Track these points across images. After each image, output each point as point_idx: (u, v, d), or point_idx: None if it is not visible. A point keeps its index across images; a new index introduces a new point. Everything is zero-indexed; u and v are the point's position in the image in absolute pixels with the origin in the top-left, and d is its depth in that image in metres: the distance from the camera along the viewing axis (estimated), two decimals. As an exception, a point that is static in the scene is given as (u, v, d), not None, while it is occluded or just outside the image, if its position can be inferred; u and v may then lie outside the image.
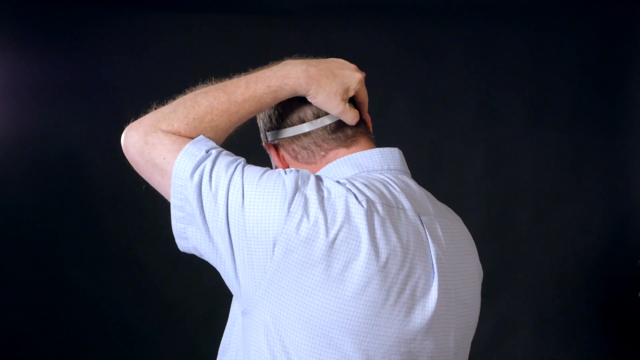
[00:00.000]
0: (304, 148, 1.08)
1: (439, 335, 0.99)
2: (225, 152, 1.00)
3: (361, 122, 1.10)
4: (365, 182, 0.99)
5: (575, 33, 2.94)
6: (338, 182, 0.98)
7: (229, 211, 0.94)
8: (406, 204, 1.00)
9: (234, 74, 1.16)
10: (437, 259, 0.99)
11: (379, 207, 0.96)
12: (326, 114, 1.05)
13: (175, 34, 2.83)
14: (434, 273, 0.98)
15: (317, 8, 2.87)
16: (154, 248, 2.77)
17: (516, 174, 2.99)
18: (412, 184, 1.06)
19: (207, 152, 0.98)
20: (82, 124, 2.77)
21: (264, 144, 1.15)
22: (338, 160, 1.06)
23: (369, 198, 0.96)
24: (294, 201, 0.92)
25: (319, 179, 0.97)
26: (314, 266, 0.91)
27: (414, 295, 0.96)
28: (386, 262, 0.93)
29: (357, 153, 1.06)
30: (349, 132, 1.07)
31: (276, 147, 1.12)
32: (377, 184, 1.00)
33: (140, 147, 1.02)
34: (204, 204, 0.95)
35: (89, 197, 2.79)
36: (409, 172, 1.10)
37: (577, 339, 3.00)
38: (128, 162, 1.07)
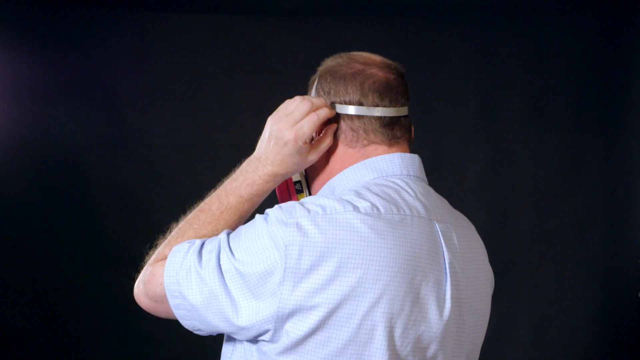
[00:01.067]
0: (352, 130, 1.05)
1: (449, 345, 0.98)
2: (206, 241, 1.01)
3: (410, 124, 1.10)
4: (378, 192, 0.99)
5: (575, 33, 2.94)
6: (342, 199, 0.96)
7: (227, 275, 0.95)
8: (422, 211, 0.99)
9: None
10: (451, 267, 0.98)
11: (387, 217, 0.95)
12: (385, 105, 1.05)
13: (175, 34, 2.84)
14: (447, 281, 0.98)
15: (317, 8, 2.88)
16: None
17: (516, 174, 2.99)
18: (431, 190, 1.06)
19: (188, 247, 1.00)
20: (82, 124, 2.77)
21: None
22: (359, 164, 1.05)
23: (377, 206, 0.96)
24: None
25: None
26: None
27: (427, 304, 0.95)
28: (397, 273, 0.93)
29: (379, 157, 1.05)
30: (398, 133, 1.07)
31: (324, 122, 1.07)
32: (390, 192, 0.99)
33: (144, 291, 1.07)
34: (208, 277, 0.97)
35: (88, 197, 2.79)
36: (426, 179, 1.09)
37: (577, 339, 3.01)
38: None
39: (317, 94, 1.08)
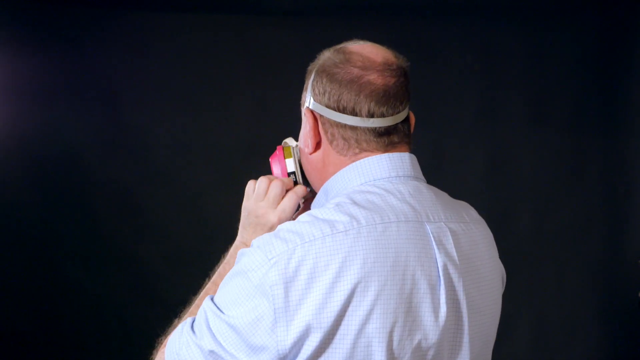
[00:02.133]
0: (344, 139, 1.03)
1: (446, 349, 0.97)
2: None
3: (408, 128, 1.07)
4: (361, 200, 0.97)
5: (575, 33, 2.94)
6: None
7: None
8: (410, 213, 0.97)
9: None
10: (444, 269, 0.96)
11: (369, 228, 0.94)
12: (381, 115, 1.02)
13: (175, 34, 2.84)
14: (440, 285, 0.96)
15: (317, 8, 2.88)
16: (154, 248, 2.78)
17: (516, 174, 2.99)
18: (424, 189, 1.03)
19: (182, 326, 1.01)
20: (82, 124, 2.77)
21: (304, 108, 1.09)
22: (348, 167, 1.03)
23: (358, 219, 0.94)
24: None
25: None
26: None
27: (421, 312, 0.94)
28: (384, 286, 0.92)
29: (366, 159, 1.02)
30: (395, 139, 1.04)
31: (315, 118, 1.07)
32: (375, 198, 0.98)
33: None
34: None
35: (88, 197, 2.79)
36: (421, 177, 1.06)
37: (577, 339, 3.01)
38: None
39: (312, 91, 1.06)
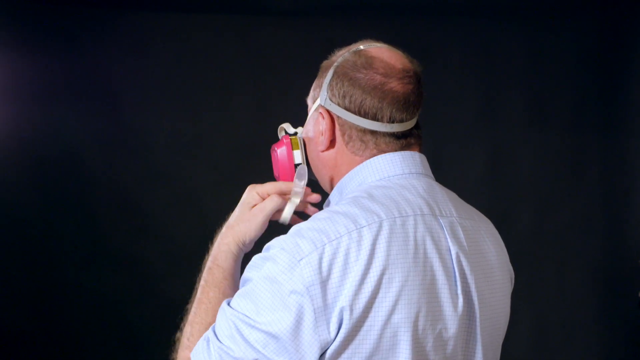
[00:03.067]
0: (362, 141, 1.07)
1: (461, 339, 1.00)
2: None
3: (420, 130, 1.11)
4: (380, 195, 1.01)
5: (575, 33, 2.94)
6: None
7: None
8: (425, 208, 1.01)
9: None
10: (457, 261, 1.00)
11: (389, 222, 0.97)
12: (401, 120, 1.06)
13: (175, 34, 2.84)
14: (455, 276, 1.00)
15: (317, 8, 2.88)
16: (154, 248, 2.78)
17: (516, 174, 2.99)
18: (436, 186, 1.08)
19: (207, 346, 0.99)
20: (82, 124, 2.77)
21: (316, 104, 1.11)
22: (363, 164, 1.07)
23: (378, 213, 0.97)
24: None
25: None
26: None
27: (441, 301, 0.98)
28: (408, 277, 0.95)
29: (379, 157, 1.06)
30: (412, 140, 1.09)
31: (332, 118, 1.08)
32: (392, 193, 1.01)
33: None
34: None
35: (88, 197, 2.79)
36: (431, 175, 1.10)
37: (577, 339, 3.01)
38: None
39: (330, 91, 1.07)
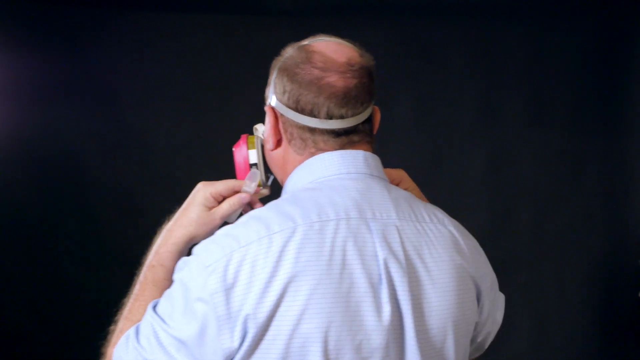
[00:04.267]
0: (302, 139, 1.03)
1: (394, 351, 0.93)
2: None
3: (370, 127, 1.06)
4: (304, 198, 0.96)
5: (575, 33, 2.94)
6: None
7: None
8: (353, 211, 0.95)
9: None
10: (386, 267, 0.93)
11: (304, 228, 0.92)
12: (340, 117, 1.01)
13: (175, 34, 2.83)
14: (382, 283, 0.93)
15: (316, 8, 2.88)
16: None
17: (516, 174, 2.99)
18: (377, 187, 1.01)
19: (126, 342, 1.00)
20: (82, 124, 2.77)
21: (266, 105, 1.10)
22: (301, 165, 1.03)
23: (295, 217, 0.93)
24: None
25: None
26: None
27: (361, 311, 0.91)
28: (318, 285, 0.90)
29: (317, 156, 1.02)
30: (355, 138, 1.04)
31: (276, 116, 1.07)
32: (318, 195, 0.96)
33: None
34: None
35: (88, 196, 2.79)
36: (379, 174, 1.04)
37: (577, 339, 3.01)
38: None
39: (274, 89, 1.06)
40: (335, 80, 1.01)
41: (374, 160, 1.04)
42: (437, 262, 0.97)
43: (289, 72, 1.03)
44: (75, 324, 2.80)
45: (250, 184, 1.11)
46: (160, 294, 1.04)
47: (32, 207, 2.75)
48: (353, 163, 1.02)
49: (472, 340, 1.10)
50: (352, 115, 1.02)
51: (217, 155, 3.07)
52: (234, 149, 1.17)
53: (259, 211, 0.97)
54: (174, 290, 0.95)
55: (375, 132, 1.10)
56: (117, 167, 2.80)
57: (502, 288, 1.19)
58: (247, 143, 1.16)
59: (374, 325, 0.91)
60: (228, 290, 0.90)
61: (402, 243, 0.96)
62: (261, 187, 1.14)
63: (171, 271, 1.06)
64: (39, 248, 2.76)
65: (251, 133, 1.18)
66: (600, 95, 2.96)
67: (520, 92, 2.96)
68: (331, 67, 1.01)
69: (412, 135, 2.88)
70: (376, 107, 1.09)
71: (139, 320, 1.03)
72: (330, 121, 1.01)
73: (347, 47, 1.05)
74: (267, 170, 1.14)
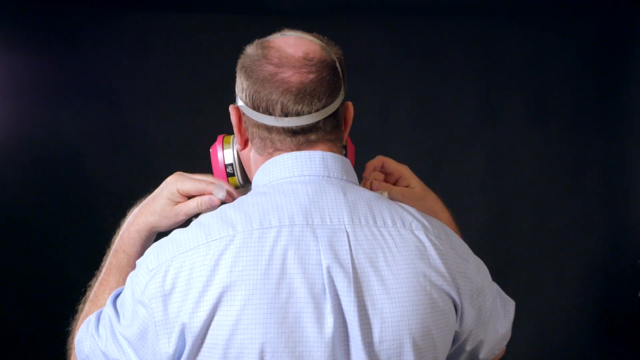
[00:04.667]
0: (261, 138, 1.01)
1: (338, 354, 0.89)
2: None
3: (334, 125, 1.01)
4: (250, 203, 0.93)
5: (575, 33, 2.94)
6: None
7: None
8: (299, 217, 0.91)
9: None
10: (328, 275, 0.88)
11: (243, 236, 0.89)
12: (296, 113, 0.96)
13: (175, 34, 2.83)
14: (325, 293, 0.88)
15: (316, 8, 2.88)
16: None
17: (516, 174, 2.98)
18: (332, 190, 0.95)
19: (87, 328, 1.01)
20: (82, 124, 2.77)
21: (231, 105, 1.08)
22: (260, 168, 1.01)
23: (235, 224, 0.91)
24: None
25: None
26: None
27: (300, 322, 0.87)
28: (252, 295, 0.87)
29: (272, 159, 0.99)
30: (313, 137, 0.99)
31: (239, 115, 1.05)
32: (264, 200, 0.93)
33: None
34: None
35: (89, 197, 2.79)
36: (338, 175, 0.99)
37: (577, 339, 3.00)
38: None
39: (236, 87, 1.05)
40: (290, 75, 0.96)
41: (334, 161, 0.99)
42: (394, 270, 0.91)
43: (245, 70, 1.01)
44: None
45: (218, 192, 1.07)
46: (123, 280, 1.04)
47: (32, 207, 2.75)
48: (308, 165, 0.97)
49: (460, 350, 1.05)
50: (310, 112, 0.96)
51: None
52: (210, 149, 1.15)
53: (205, 216, 0.95)
54: (126, 287, 0.96)
55: (346, 128, 1.05)
56: (117, 167, 2.79)
57: (502, 288, 1.18)
58: (222, 143, 1.14)
59: (315, 338, 0.88)
60: (165, 296, 0.89)
61: (351, 250, 0.90)
62: (237, 189, 1.12)
63: (133, 257, 1.08)
64: (38, 248, 2.76)
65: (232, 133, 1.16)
66: (600, 95, 2.96)
67: (520, 92, 2.96)
68: (286, 62, 0.97)
69: (411, 135, 2.88)
70: (348, 103, 1.04)
71: (103, 305, 1.04)
72: (286, 119, 0.96)
73: (307, 41, 1.00)
74: (244, 173, 1.12)
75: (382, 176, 1.20)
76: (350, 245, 0.91)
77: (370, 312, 0.89)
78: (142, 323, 0.91)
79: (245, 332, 0.87)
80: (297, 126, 0.97)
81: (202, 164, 3.16)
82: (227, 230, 0.90)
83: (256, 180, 1.02)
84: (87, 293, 1.14)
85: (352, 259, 0.90)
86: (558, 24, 2.94)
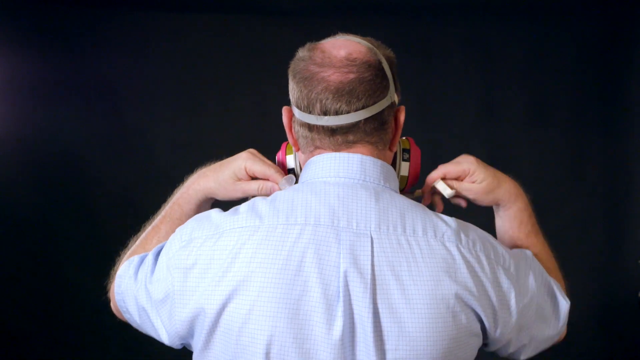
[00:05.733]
0: (304, 137, 1.02)
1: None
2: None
3: (377, 127, 1.01)
4: (282, 197, 0.95)
5: (575, 32, 2.94)
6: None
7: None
8: (325, 218, 0.91)
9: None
10: (344, 279, 0.89)
11: (267, 229, 0.91)
12: (335, 112, 0.97)
13: (175, 34, 2.84)
14: (339, 296, 0.88)
15: (317, 8, 2.88)
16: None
17: (516, 173, 2.97)
18: (364, 195, 0.95)
19: (128, 266, 1.08)
20: (82, 124, 2.77)
21: (284, 106, 1.09)
22: (305, 166, 1.03)
23: (263, 215, 0.93)
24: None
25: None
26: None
27: (310, 321, 0.88)
28: (265, 287, 0.89)
29: (313, 158, 1.01)
30: (351, 137, 0.99)
31: (290, 118, 1.06)
32: (296, 196, 0.94)
33: (112, 304, 1.19)
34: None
35: (88, 196, 2.79)
36: (374, 181, 0.98)
37: (577, 339, 3.00)
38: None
39: (289, 88, 1.06)
40: (330, 74, 0.97)
41: (373, 165, 0.99)
42: (416, 281, 0.90)
43: (293, 71, 1.02)
44: (74, 323, 2.80)
45: (284, 184, 1.08)
46: (172, 231, 1.07)
47: (32, 207, 2.75)
48: (345, 167, 0.98)
49: (502, 351, 1.06)
50: (348, 112, 0.96)
51: (217, 155, 3.07)
52: (276, 156, 1.19)
53: (243, 205, 0.98)
54: (166, 246, 1.00)
55: (396, 133, 1.06)
56: (117, 167, 2.80)
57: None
58: (285, 149, 1.17)
59: (323, 338, 0.88)
60: (187, 270, 0.93)
61: (373, 256, 0.90)
62: None
63: (185, 214, 1.13)
64: (38, 248, 2.77)
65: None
66: (600, 95, 2.96)
67: (520, 92, 2.96)
68: (328, 62, 0.98)
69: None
70: (400, 107, 1.05)
71: (149, 250, 1.09)
72: (325, 117, 0.97)
73: (354, 43, 1.01)
74: None
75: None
76: (372, 252, 0.90)
77: (387, 320, 0.89)
78: (166, 286, 0.95)
79: (257, 322, 0.89)
80: (336, 125, 0.97)
81: (202, 164, 3.16)
82: (253, 221, 0.92)
83: (300, 178, 1.04)
84: (140, 233, 1.22)
85: (372, 265, 0.90)
86: (558, 23, 2.94)
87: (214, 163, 1.17)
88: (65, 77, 2.76)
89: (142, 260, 1.04)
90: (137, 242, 1.18)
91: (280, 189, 1.07)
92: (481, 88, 2.95)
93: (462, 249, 0.94)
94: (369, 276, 0.89)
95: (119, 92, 2.81)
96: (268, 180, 1.09)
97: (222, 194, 1.12)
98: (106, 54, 2.79)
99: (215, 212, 0.98)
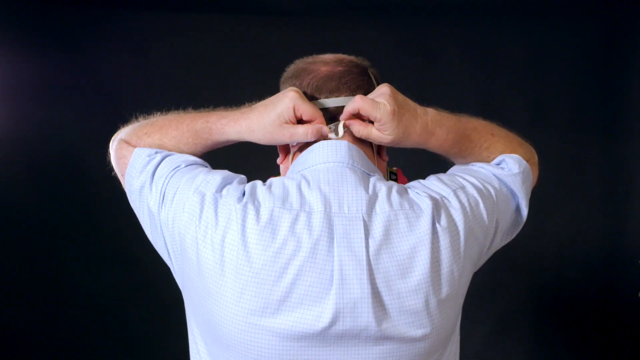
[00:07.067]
0: None
1: (343, 346, 0.92)
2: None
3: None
4: (277, 184, 0.98)
5: (575, 33, 2.94)
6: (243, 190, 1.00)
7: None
8: (318, 205, 0.93)
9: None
10: (340, 265, 0.90)
11: (266, 212, 0.93)
12: (326, 93, 1.06)
13: (175, 34, 2.84)
14: (332, 280, 0.90)
15: (317, 8, 2.88)
16: (153, 248, 2.77)
17: (516, 174, 2.98)
18: (353, 179, 0.97)
19: (149, 160, 1.16)
20: (82, 124, 2.77)
21: None
22: (299, 155, 1.06)
23: (258, 204, 0.95)
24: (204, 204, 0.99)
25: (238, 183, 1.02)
26: (201, 266, 0.95)
27: (302, 304, 0.90)
28: (261, 269, 0.90)
29: (305, 150, 1.05)
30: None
31: None
32: (290, 184, 0.97)
33: (114, 161, 1.31)
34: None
35: (88, 196, 2.79)
36: (359, 167, 1.01)
37: (577, 339, 3.00)
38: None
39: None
40: (319, 67, 1.06)
41: (358, 153, 1.03)
42: (411, 260, 0.92)
43: (284, 78, 1.12)
44: (74, 323, 2.80)
45: (335, 133, 1.04)
46: (192, 141, 1.20)
47: (32, 207, 2.75)
48: (333, 152, 1.01)
49: (500, 242, 1.19)
50: (336, 95, 1.04)
51: (217, 154, 3.07)
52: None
53: (255, 183, 1.02)
54: (178, 161, 1.12)
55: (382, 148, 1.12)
56: (117, 167, 2.79)
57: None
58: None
59: (312, 319, 0.91)
60: (216, 204, 0.98)
61: (368, 239, 0.92)
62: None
63: (210, 140, 1.19)
64: (39, 248, 2.77)
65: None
66: (600, 95, 2.96)
67: (520, 92, 2.96)
68: (318, 60, 1.08)
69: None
70: None
71: (166, 142, 1.20)
72: (322, 99, 1.04)
73: (344, 55, 1.10)
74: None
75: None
76: (366, 234, 0.92)
77: (387, 297, 0.91)
78: (182, 203, 1.03)
79: (248, 301, 0.92)
80: (327, 108, 1.04)
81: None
82: (253, 204, 0.95)
83: (296, 166, 1.06)
84: (157, 115, 1.31)
85: (366, 247, 0.92)
86: (558, 24, 2.94)
87: (255, 103, 1.13)
88: (65, 77, 2.76)
89: (163, 158, 1.13)
90: (154, 128, 1.26)
91: (327, 136, 1.04)
92: (481, 88, 2.95)
93: (441, 206, 0.99)
94: (364, 259, 0.91)
95: (119, 92, 2.81)
96: (314, 124, 1.04)
97: (267, 139, 1.05)
98: (106, 54, 2.79)
99: (229, 175, 1.07)
